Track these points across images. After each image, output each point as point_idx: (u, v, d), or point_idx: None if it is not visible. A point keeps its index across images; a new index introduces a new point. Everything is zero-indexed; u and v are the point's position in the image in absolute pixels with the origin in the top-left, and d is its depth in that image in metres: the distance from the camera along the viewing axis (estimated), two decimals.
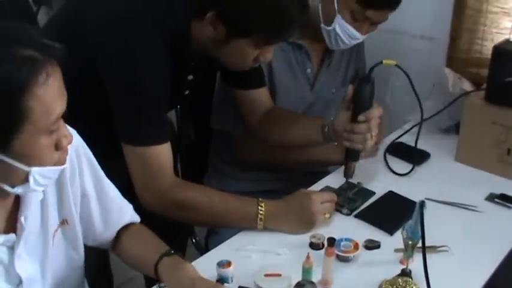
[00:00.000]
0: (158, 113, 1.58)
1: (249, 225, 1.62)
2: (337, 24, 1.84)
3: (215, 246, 1.62)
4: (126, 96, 1.54)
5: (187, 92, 1.78)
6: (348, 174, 1.72)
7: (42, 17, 3.21)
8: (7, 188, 1.12)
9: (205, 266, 1.47)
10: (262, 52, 1.58)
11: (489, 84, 1.90)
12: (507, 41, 1.98)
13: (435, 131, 2.14)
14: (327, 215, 1.63)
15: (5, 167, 1.08)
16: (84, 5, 1.62)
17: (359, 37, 1.87)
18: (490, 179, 1.90)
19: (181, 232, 2.23)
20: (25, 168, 1.09)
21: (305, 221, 1.62)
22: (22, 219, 1.21)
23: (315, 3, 1.90)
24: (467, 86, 2.11)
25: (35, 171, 1.10)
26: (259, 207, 1.60)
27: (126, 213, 1.50)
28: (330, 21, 1.86)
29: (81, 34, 1.54)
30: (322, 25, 1.88)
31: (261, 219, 1.60)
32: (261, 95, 1.88)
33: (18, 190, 1.13)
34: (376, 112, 1.63)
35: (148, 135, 1.56)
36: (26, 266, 1.24)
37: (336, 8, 1.82)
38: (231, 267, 1.41)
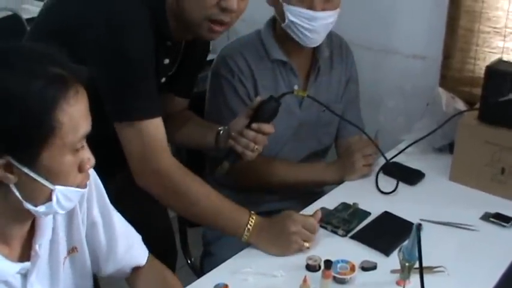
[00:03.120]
0: (148, 86, 1.58)
1: (235, 232, 1.62)
2: (288, 12, 1.84)
3: (211, 267, 1.61)
4: (116, 72, 1.54)
5: (163, 80, 1.78)
6: (218, 171, 1.76)
7: None
8: (30, 206, 1.12)
9: None
10: None
11: (482, 103, 1.91)
12: (500, 61, 1.99)
13: (429, 150, 2.14)
14: (306, 244, 1.62)
15: (30, 184, 1.10)
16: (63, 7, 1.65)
17: (315, 15, 1.84)
18: (484, 198, 1.91)
19: (170, 251, 2.22)
20: (50, 186, 1.11)
21: (281, 241, 1.61)
22: (37, 247, 1.21)
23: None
24: (460, 105, 2.13)
25: (59, 190, 1.12)
26: (251, 218, 1.61)
27: (133, 248, 1.46)
28: (283, 16, 1.87)
29: (67, 32, 1.56)
30: (283, 25, 1.89)
31: (248, 229, 1.60)
32: (182, 104, 1.97)
33: (40, 209, 1.14)
34: (267, 128, 1.72)
35: (141, 108, 1.56)
36: None
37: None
38: None
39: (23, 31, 3.12)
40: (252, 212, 1.63)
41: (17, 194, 1.10)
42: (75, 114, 1.09)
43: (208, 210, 1.64)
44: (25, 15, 3.30)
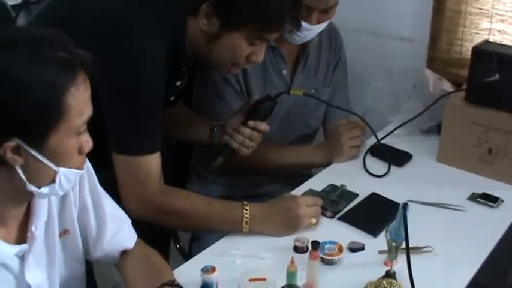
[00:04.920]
0: (153, 123, 1.57)
1: (235, 228, 1.62)
2: None
3: (199, 252, 1.62)
4: (123, 106, 1.53)
5: (172, 98, 1.78)
6: (213, 166, 1.77)
7: (21, 23, 3.18)
8: (33, 188, 1.14)
9: (189, 272, 1.47)
10: (255, 50, 1.59)
11: (469, 84, 1.91)
12: (486, 42, 1.99)
13: (417, 132, 2.15)
14: (314, 220, 1.64)
15: (36, 166, 1.12)
16: (74, 7, 1.60)
17: (310, 27, 1.84)
18: (471, 178, 1.91)
19: (164, 237, 2.22)
20: (54, 167, 1.13)
21: (290, 225, 1.63)
22: (33, 228, 1.23)
23: None
24: (447, 86, 2.13)
25: (62, 172, 1.15)
26: (244, 211, 1.61)
27: (121, 231, 1.46)
28: None
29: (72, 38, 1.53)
30: None
31: (246, 222, 1.60)
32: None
33: (44, 191, 1.16)
34: (263, 126, 1.75)
35: (141, 145, 1.56)
36: (35, 274, 1.25)
37: None
38: (215, 273, 1.40)
39: (8, 18, 3.09)
40: (245, 203, 1.62)
41: (22, 175, 1.12)
42: (81, 99, 1.11)
43: (200, 219, 1.64)
44: (10, 2, 3.26)
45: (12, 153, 1.08)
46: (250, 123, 1.73)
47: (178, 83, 1.73)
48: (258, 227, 1.62)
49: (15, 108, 1.05)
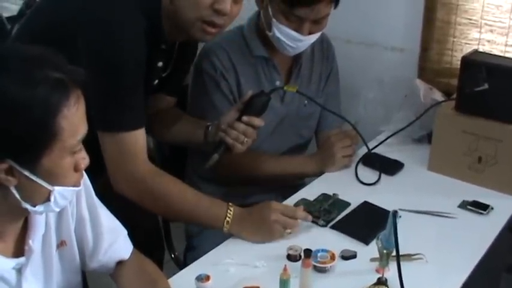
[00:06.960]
0: (135, 99, 1.59)
1: (215, 225, 1.65)
2: (275, 28, 1.86)
3: (193, 260, 1.62)
4: (104, 81, 1.55)
5: (156, 82, 1.79)
6: (208, 163, 1.77)
7: None
8: (28, 206, 1.15)
9: (184, 281, 1.48)
10: None
11: (459, 94, 1.94)
12: (475, 52, 2.02)
13: (408, 141, 2.17)
14: (288, 231, 1.64)
15: (30, 186, 1.12)
16: (57, 4, 1.65)
17: (301, 38, 1.86)
18: (462, 186, 1.93)
19: (158, 247, 2.23)
20: (49, 187, 1.13)
21: (263, 230, 1.63)
22: (30, 242, 1.23)
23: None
24: (438, 96, 2.15)
25: (57, 191, 1.15)
26: (228, 210, 1.63)
27: (117, 242, 1.47)
28: (270, 28, 1.88)
29: (56, 36, 1.56)
30: (267, 32, 1.90)
31: (227, 222, 1.62)
32: (170, 102, 1.98)
33: (39, 209, 1.17)
34: (257, 121, 1.76)
35: (124, 120, 1.58)
36: (32, 287, 1.26)
37: (271, 13, 1.85)
38: (209, 281, 1.41)
39: (2, 29, 3.11)
40: (230, 203, 1.65)
41: (17, 195, 1.13)
42: (75, 119, 1.12)
43: (185, 208, 1.66)
44: (5, 14, 3.28)
45: (5, 175, 1.09)
46: (245, 118, 1.74)
47: (160, 63, 1.74)
48: (236, 229, 1.64)
49: (6, 130, 1.05)
